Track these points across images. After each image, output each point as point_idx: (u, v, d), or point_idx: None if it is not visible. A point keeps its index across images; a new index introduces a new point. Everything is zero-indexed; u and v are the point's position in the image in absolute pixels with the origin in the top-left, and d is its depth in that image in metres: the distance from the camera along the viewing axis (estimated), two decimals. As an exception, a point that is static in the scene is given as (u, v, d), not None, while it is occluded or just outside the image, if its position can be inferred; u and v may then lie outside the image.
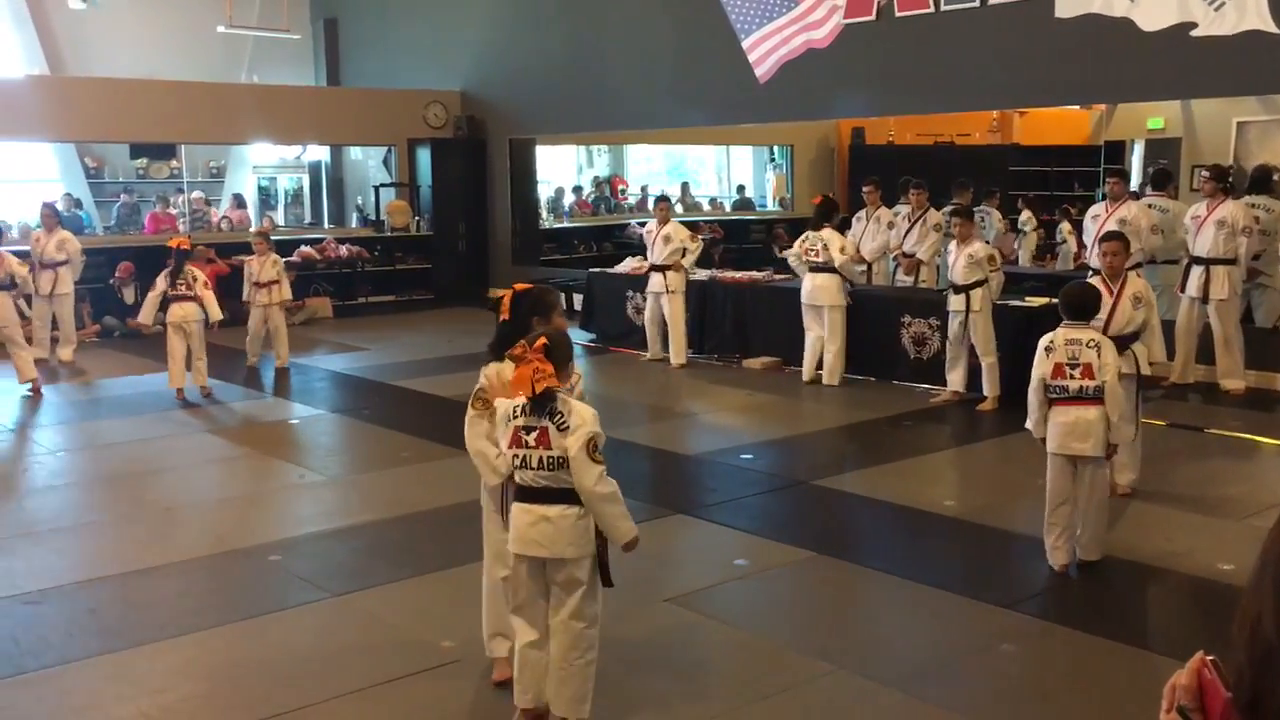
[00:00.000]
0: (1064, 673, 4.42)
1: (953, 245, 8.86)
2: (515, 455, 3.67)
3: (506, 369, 4.00)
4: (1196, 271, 9.03)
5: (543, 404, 3.62)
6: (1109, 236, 6.42)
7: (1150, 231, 9.39)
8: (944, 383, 8.92)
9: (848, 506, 6.51)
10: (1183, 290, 9.20)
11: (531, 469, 3.65)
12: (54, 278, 11.18)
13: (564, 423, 3.61)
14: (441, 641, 4.53)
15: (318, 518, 6.42)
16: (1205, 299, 8.99)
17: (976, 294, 8.51)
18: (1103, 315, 6.06)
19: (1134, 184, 12.40)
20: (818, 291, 9.63)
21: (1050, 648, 4.64)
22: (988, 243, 9.41)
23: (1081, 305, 5.30)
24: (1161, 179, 10.59)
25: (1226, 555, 5.45)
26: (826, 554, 5.62)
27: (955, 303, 8.64)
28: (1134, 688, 4.15)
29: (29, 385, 9.70)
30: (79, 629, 4.81)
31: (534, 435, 3.63)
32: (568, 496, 3.64)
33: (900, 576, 5.35)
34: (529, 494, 3.68)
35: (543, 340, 3.60)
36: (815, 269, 9.65)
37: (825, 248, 9.56)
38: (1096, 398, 5.08)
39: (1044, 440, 5.27)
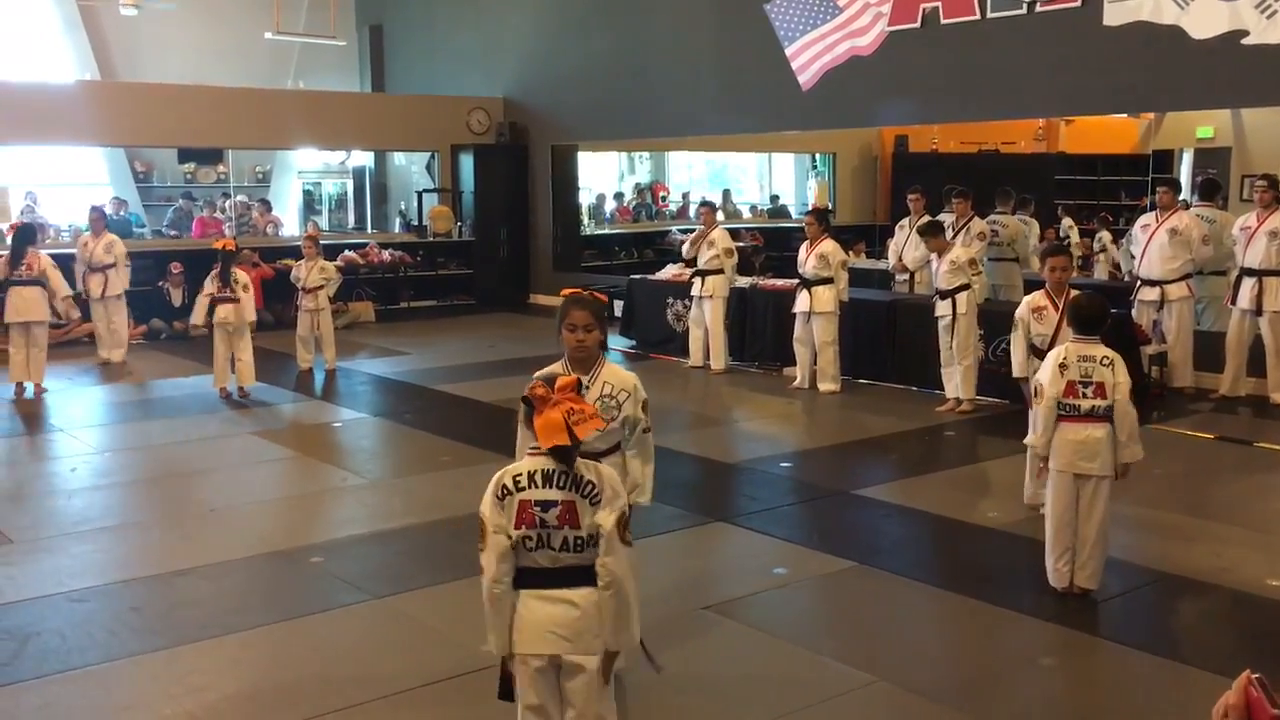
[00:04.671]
0: (1107, 688, 4.36)
1: (933, 257, 9.01)
2: (526, 537, 2.99)
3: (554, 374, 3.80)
4: (1248, 283, 8.89)
5: (565, 464, 2.98)
6: (1056, 251, 6.46)
7: (1201, 242, 9.28)
8: (984, 392, 8.87)
9: (888, 516, 6.46)
10: (1233, 302, 9.06)
11: (552, 549, 3.00)
12: (104, 280, 11.36)
13: (595, 494, 2.99)
14: (482, 645, 4.49)
15: (360, 520, 6.46)
16: (1258, 311, 8.85)
17: (960, 298, 8.63)
18: (1048, 330, 6.04)
19: (1183, 193, 12.24)
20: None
21: (1094, 663, 4.57)
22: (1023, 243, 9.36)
23: (1091, 317, 5.09)
24: (1210, 189, 10.44)
25: (1276, 571, 5.36)
26: (867, 564, 5.58)
27: (942, 308, 8.75)
28: (1179, 704, 4.09)
29: (32, 386, 9.86)
30: (124, 627, 4.87)
31: (556, 512, 2.97)
32: (593, 577, 3.03)
33: (941, 588, 5.30)
34: (545, 576, 3.03)
35: (573, 379, 3.06)
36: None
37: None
38: (1106, 416, 4.91)
39: (1045, 460, 5.07)
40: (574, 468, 2.98)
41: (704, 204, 11.90)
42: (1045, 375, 5.07)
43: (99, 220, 11.70)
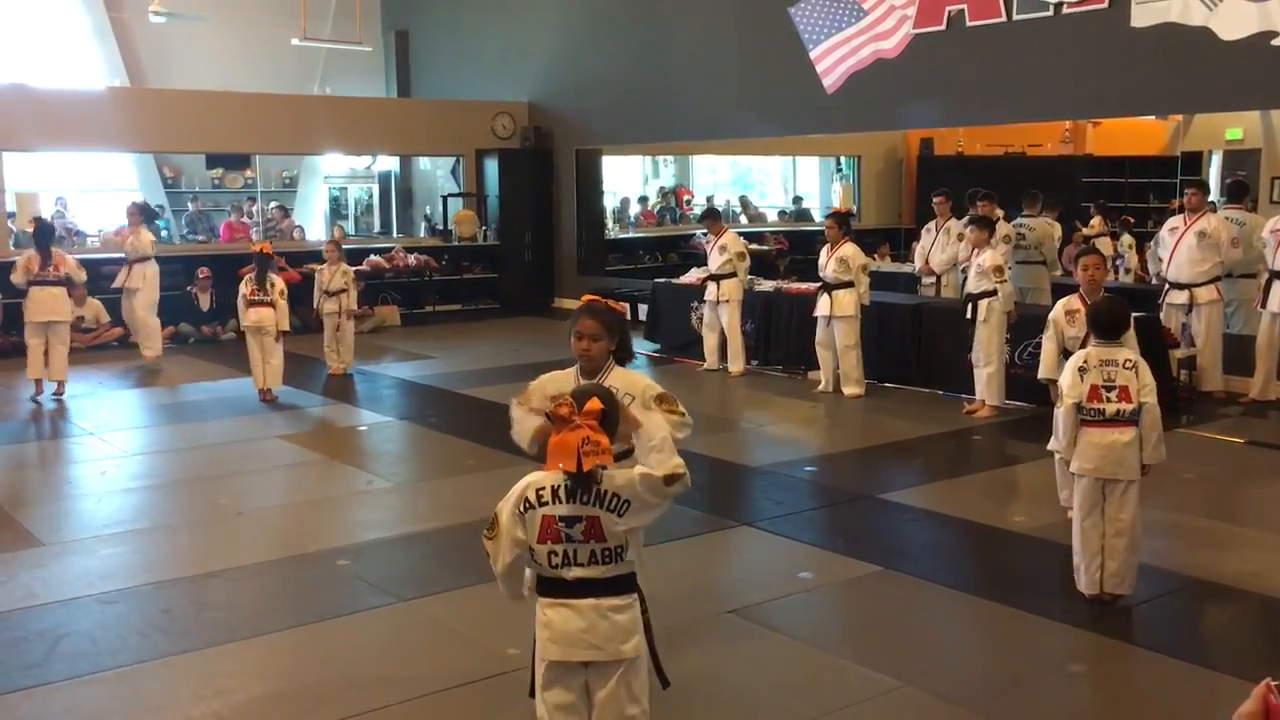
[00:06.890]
0: (1134, 695, 4.33)
1: (973, 252, 8.99)
2: (552, 552, 2.96)
3: (561, 379, 3.79)
4: (1278, 287, 8.80)
5: (587, 485, 2.92)
6: (1088, 251, 6.43)
7: (1230, 245, 9.20)
8: (1012, 396, 8.84)
9: (914, 521, 6.44)
10: (1262, 306, 8.97)
11: (581, 565, 2.96)
12: (144, 274, 11.57)
13: (621, 505, 2.94)
14: (507, 649, 4.53)
15: (385, 523, 6.50)
16: (1289, 314, 8.76)
17: (982, 304, 8.64)
18: (1080, 333, 5.97)
19: (1212, 195, 12.13)
20: None
21: (1121, 669, 4.54)
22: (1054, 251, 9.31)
23: (1112, 322, 5.07)
24: (1238, 191, 10.35)
25: (1307, 577, 5.31)
26: (892, 568, 5.56)
27: (970, 311, 8.77)
28: (1209, 711, 4.05)
29: (54, 385, 9.88)
30: (153, 629, 4.91)
31: (580, 527, 2.93)
32: (626, 583, 3.03)
33: (968, 593, 5.28)
34: (578, 588, 2.98)
35: (599, 405, 2.91)
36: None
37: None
38: (1132, 420, 4.86)
39: (1068, 463, 5.03)
40: (598, 485, 2.92)
41: (708, 215, 11.86)
42: (1066, 379, 5.03)
43: (136, 214, 11.84)
